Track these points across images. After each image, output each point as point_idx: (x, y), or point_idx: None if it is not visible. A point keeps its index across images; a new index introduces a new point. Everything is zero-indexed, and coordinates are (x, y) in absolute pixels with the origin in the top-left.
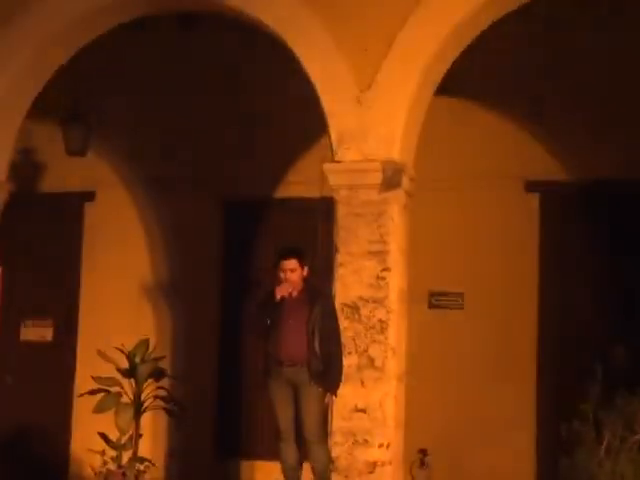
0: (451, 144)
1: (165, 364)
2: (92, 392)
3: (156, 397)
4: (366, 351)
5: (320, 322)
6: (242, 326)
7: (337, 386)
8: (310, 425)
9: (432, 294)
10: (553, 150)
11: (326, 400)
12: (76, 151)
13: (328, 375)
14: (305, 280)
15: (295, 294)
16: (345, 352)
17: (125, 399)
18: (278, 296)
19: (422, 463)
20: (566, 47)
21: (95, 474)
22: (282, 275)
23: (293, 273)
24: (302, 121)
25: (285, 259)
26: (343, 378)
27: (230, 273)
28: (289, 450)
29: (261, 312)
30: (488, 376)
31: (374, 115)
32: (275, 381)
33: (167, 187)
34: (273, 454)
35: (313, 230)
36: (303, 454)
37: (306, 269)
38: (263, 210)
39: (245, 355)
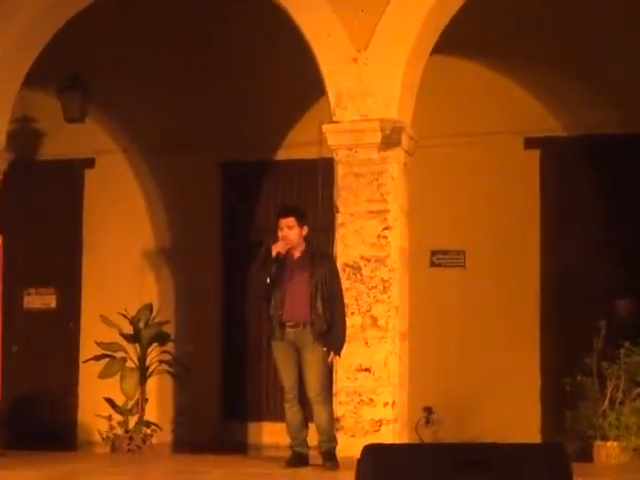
0: (450, 102)
1: (169, 328)
2: (97, 358)
3: (161, 361)
4: (369, 311)
5: (323, 282)
6: (245, 289)
7: (341, 346)
8: (314, 385)
9: (433, 253)
10: (552, 106)
11: (329, 360)
12: (74, 118)
13: (332, 335)
14: (306, 240)
15: (297, 255)
16: (348, 312)
17: (130, 364)
18: (274, 252)
19: (427, 421)
20: (566, 1)
21: (103, 439)
22: (280, 233)
23: (291, 230)
24: (300, 82)
25: (283, 217)
26: (347, 338)
27: (231, 236)
28: (294, 410)
29: (262, 271)
30: (491, 333)
31: (372, 74)
32: (279, 342)
33: (165, 151)
34: (279, 415)
35: (313, 191)
36: (308, 414)
37: (306, 228)
38: (262, 172)
39: (249, 317)
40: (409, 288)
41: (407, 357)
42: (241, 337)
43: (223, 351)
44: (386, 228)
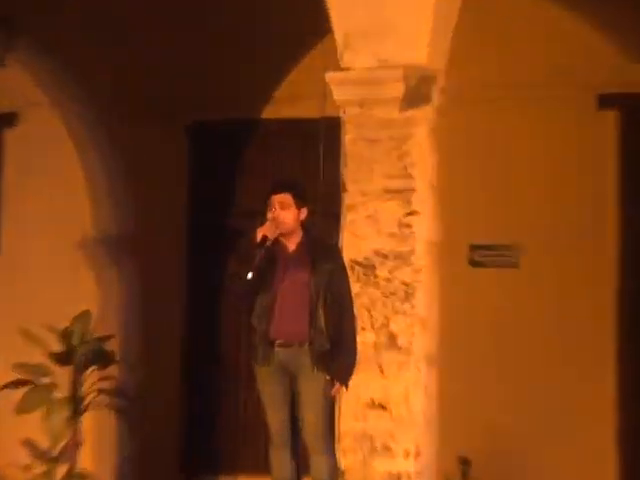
0: (497, 45)
1: (112, 346)
2: (13, 385)
3: (100, 391)
4: (386, 325)
5: (326, 286)
6: (217, 292)
7: (349, 373)
8: (312, 426)
9: (474, 248)
10: (635, 53)
11: (333, 392)
12: None
13: (337, 358)
14: (305, 229)
15: (291, 247)
16: (358, 327)
17: (58, 394)
18: (259, 236)
19: (463, 475)
20: None
21: None
22: (269, 214)
23: (285, 211)
24: (296, 16)
25: (276, 192)
26: (357, 362)
27: (199, 222)
28: (283, 460)
29: (241, 264)
30: (551, 356)
31: (393, 7)
32: (264, 367)
33: (113, 109)
34: (261, 467)
35: (312, 162)
36: (302, 465)
37: (305, 211)
38: (243, 137)
39: (223, 331)
40: (440, 295)
41: (436, 389)
42: (211, 358)
43: (186, 377)
44: (410, 213)
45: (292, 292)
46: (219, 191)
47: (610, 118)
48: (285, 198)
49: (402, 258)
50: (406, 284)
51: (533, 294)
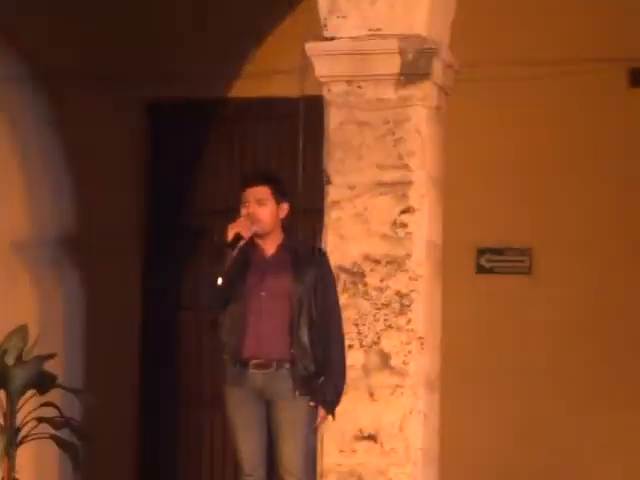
0: (515, 17)
1: (55, 367)
2: None
3: (40, 420)
4: (377, 343)
5: (311, 296)
6: (177, 301)
7: (337, 399)
8: (292, 462)
9: (482, 251)
10: None
11: (317, 422)
12: None
13: (323, 382)
14: (285, 229)
15: (270, 250)
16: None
17: None
18: (231, 234)
19: None
20: None
21: None
22: (244, 211)
23: (262, 208)
24: None
25: (250, 185)
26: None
27: (158, 219)
28: None
29: (210, 271)
30: (570, 381)
31: None
32: (235, 389)
33: (56, 81)
34: None
35: (289, 150)
36: None
37: (285, 207)
38: (210, 119)
39: (186, 348)
40: (443, 307)
41: (437, 418)
42: (171, 381)
43: (143, 404)
44: (406, 210)
45: (270, 303)
46: (181, 184)
47: None
48: (262, 192)
49: (397, 264)
50: (401, 295)
51: (548, 305)
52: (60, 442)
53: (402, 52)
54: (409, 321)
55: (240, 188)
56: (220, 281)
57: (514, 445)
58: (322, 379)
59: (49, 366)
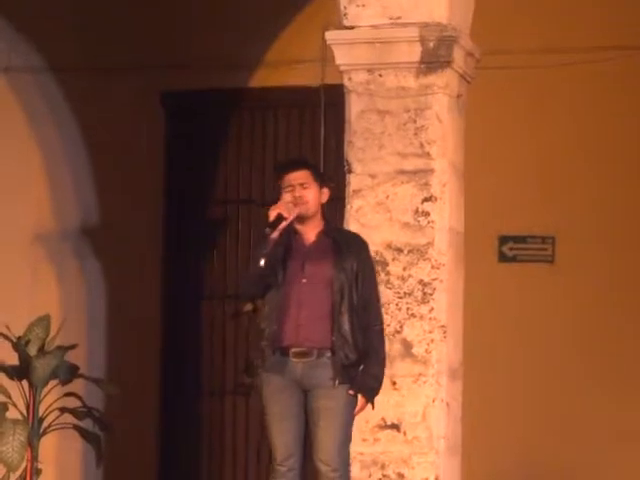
0: (538, 3)
1: (77, 357)
2: None
3: (63, 410)
4: (399, 332)
5: (353, 284)
6: (199, 290)
7: (378, 388)
8: (331, 453)
9: (504, 239)
10: None
11: (357, 411)
12: None
13: (364, 371)
14: (325, 216)
15: (310, 238)
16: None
17: (13, 414)
18: (272, 215)
19: None
20: None
21: None
22: (288, 197)
23: (306, 190)
24: None
25: (290, 170)
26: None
27: (179, 209)
28: None
29: (254, 252)
30: (594, 368)
31: None
32: (273, 380)
33: (71, 73)
34: None
35: (310, 139)
36: None
37: (326, 192)
38: (231, 109)
39: (206, 337)
40: (465, 296)
41: (460, 407)
42: (194, 371)
43: (164, 394)
44: (428, 199)
45: (311, 291)
46: (202, 173)
47: None
48: (304, 176)
49: (419, 252)
50: (424, 283)
51: (572, 294)
52: (83, 432)
53: (423, 40)
54: (431, 310)
55: (278, 176)
56: (262, 262)
57: (538, 434)
58: (362, 367)
59: (71, 356)
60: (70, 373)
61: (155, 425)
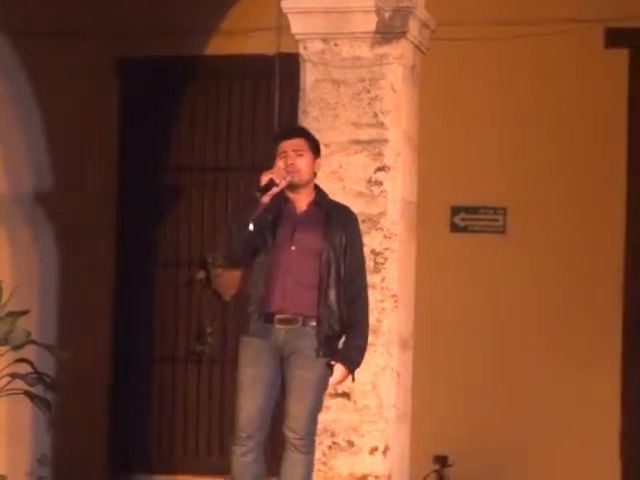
0: None
1: (29, 323)
2: None
3: (14, 376)
4: None
5: (341, 256)
6: (155, 256)
7: (360, 361)
8: (299, 421)
9: (456, 210)
10: None
11: (335, 382)
12: None
13: (348, 342)
14: (317, 186)
15: (302, 207)
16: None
17: None
18: (264, 180)
19: (439, 477)
20: None
21: None
22: (281, 163)
23: (300, 158)
24: None
25: (287, 137)
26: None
27: (133, 176)
28: (250, 461)
29: (242, 216)
30: (546, 339)
31: None
32: (254, 343)
33: (26, 41)
34: (211, 467)
35: (264, 108)
36: (268, 468)
37: (319, 162)
38: (185, 76)
39: (159, 304)
40: (417, 266)
41: (410, 376)
42: (146, 337)
43: (116, 359)
44: (381, 169)
45: (299, 259)
46: (156, 140)
47: (621, 57)
48: (300, 143)
49: (371, 221)
50: (375, 253)
51: (523, 265)
52: (33, 398)
53: (378, 10)
54: (383, 279)
55: (275, 141)
56: (252, 227)
57: (489, 404)
58: (345, 339)
59: (23, 322)
60: (22, 339)
61: (106, 391)
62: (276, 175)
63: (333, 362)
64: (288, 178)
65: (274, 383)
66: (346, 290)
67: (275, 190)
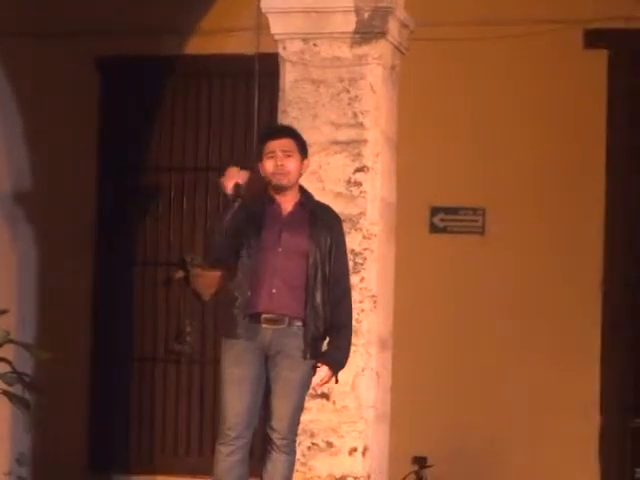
0: None
1: (8, 323)
2: None
3: None
4: None
5: (326, 257)
6: (134, 256)
7: (345, 362)
8: (283, 422)
9: (435, 211)
10: None
11: (319, 383)
12: None
13: (334, 344)
14: (301, 187)
15: (287, 208)
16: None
17: None
18: (228, 186)
19: (419, 477)
20: None
21: None
22: (269, 163)
23: (288, 159)
24: None
25: (275, 137)
26: None
27: (112, 176)
28: (236, 461)
29: (219, 223)
30: (525, 340)
31: None
32: (240, 344)
33: (8, 39)
34: (193, 467)
35: (244, 107)
36: (250, 469)
37: (307, 163)
38: (164, 76)
39: (138, 305)
40: (396, 266)
41: (389, 377)
42: (125, 337)
43: (95, 359)
44: (361, 169)
45: (286, 260)
46: (134, 140)
47: (600, 58)
48: (288, 144)
49: (350, 222)
50: (355, 253)
51: (502, 265)
52: (12, 398)
53: (358, 10)
54: (362, 279)
55: (261, 141)
56: (224, 230)
57: (467, 405)
58: (330, 341)
59: (2, 321)
60: (1, 338)
61: (85, 391)
62: (236, 177)
63: (319, 365)
64: (246, 173)
65: (260, 381)
66: (331, 291)
67: (242, 190)
